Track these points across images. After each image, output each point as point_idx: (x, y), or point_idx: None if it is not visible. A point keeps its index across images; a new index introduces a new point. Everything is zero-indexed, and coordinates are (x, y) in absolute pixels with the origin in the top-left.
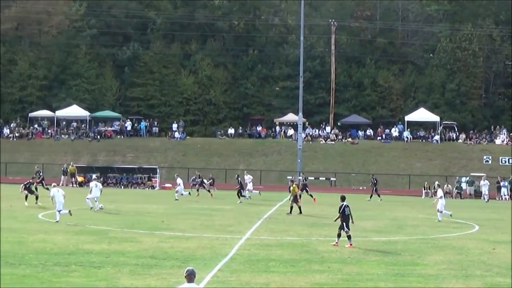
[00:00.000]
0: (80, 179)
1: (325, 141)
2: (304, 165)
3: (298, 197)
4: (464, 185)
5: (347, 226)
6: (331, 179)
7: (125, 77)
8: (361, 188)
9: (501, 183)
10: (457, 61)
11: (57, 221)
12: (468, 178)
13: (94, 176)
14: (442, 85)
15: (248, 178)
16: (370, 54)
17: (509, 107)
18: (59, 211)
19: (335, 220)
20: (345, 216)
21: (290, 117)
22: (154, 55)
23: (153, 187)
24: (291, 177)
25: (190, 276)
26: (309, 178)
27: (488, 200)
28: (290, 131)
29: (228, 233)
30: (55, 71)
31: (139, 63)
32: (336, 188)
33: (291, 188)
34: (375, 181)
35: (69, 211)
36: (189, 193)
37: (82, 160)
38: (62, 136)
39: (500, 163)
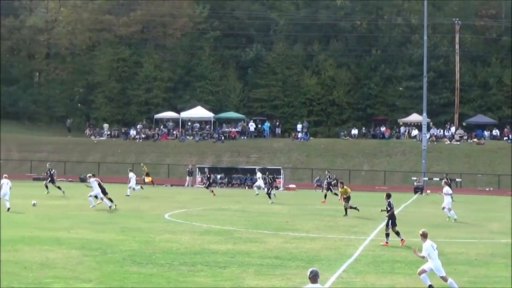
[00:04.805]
0: (148, 179)
1: (450, 141)
2: (428, 166)
3: (341, 196)
4: None
5: (393, 223)
6: (457, 180)
7: (248, 78)
8: (487, 189)
9: None
10: None
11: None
12: None
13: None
14: None
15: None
16: (496, 53)
17: None
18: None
19: (386, 216)
20: (392, 213)
21: (414, 117)
22: (277, 56)
23: (277, 187)
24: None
25: (315, 277)
26: (434, 179)
27: None
28: (414, 132)
29: (353, 234)
30: (180, 73)
31: (262, 64)
32: (462, 189)
33: (341, 190)
34: None
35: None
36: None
37: (207, 161)
38: (187, 137)
39: None
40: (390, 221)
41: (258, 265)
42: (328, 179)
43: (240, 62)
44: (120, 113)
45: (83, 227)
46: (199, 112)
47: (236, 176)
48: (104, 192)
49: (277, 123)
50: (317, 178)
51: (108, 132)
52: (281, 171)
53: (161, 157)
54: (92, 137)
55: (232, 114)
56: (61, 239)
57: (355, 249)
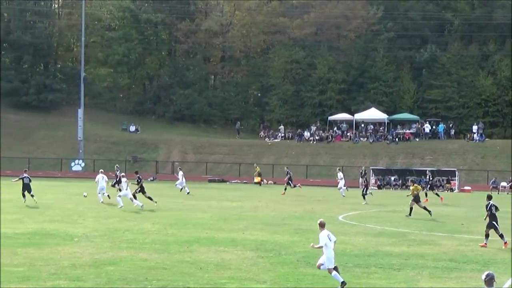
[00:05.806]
0: (257, 179)
1: None
2: None
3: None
4: None
5: (490, 225)
6: None
7: (422, 79)
8: None
9: None
10: None
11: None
12: None
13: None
14: None
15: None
16: None
17: None
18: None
19: (485, 219)
20: (492, 214)
21: None
22: (452, 56)
23: (452, 189)
24: (411, 178)
25: (491, 281)
26: None
27: None
28: None
29: None
30: (354, 75)
31: (436, 65)
32: None
33: (411, 188)
34: None
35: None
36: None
37: (381, 162)
38: (361, 139)
39: None
40: (493, 222)
41: (432, 268)
42: (429, 179)
43: (414, 63)
44: (294, 115)
45: (258, 229)
46: (373, 113)
47: (410, 178)
48: (143, 191)
49: (451, 124)
50: (493, 180)
51: (282, 134)
52: (456, 172)
53: (335, 158)
54: (267, 139)
55: (406, 116)
56: (236, 240)
57: None
